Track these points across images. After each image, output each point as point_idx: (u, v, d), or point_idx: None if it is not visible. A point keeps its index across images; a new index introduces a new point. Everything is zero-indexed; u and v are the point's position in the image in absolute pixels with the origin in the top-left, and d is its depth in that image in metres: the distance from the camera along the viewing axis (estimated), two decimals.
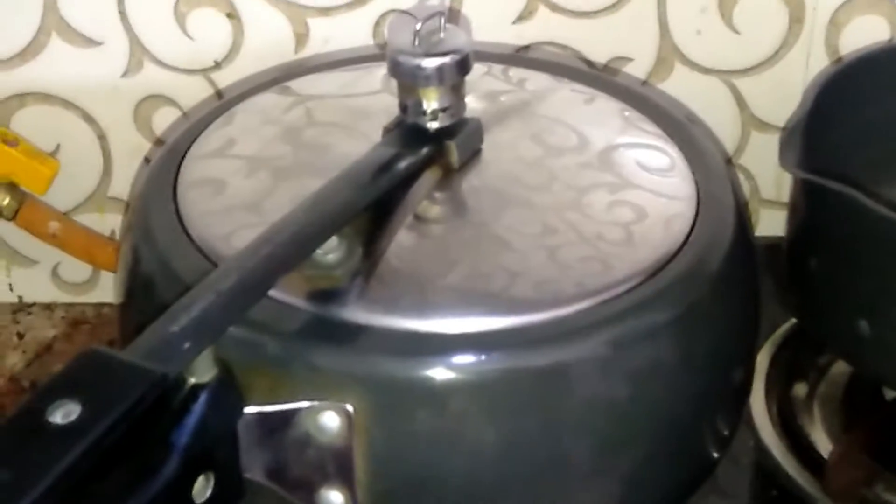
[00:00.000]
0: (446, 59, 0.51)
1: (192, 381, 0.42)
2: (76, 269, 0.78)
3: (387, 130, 0.54)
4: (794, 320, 0.69)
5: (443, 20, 0.52)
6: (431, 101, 0.52)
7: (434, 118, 0.53)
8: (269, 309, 0.46)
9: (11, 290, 0.79)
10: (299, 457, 0.45)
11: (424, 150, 0.52)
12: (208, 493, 0.42)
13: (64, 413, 0.37)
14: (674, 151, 0.57)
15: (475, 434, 0.46)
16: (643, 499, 0.50)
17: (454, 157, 0.53)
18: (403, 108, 0.53)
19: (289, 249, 0.46)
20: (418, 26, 0.51)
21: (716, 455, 0.54)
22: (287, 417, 0.45)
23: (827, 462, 0.62)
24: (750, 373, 0.57)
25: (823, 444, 0.64)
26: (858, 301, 0.59)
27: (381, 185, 0.50)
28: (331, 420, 0.45)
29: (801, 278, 0.64)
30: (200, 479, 0.42)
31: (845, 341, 0.61)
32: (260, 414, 0.44)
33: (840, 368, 0.68)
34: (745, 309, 0.54)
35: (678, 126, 0.58)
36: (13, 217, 0.73)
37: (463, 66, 0.52)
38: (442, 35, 0.52)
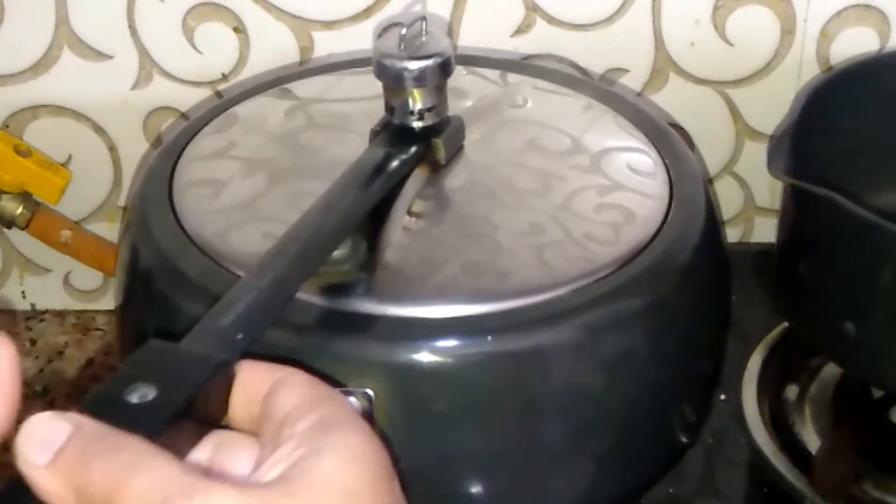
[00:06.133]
0: (429, 62, 0.53)
1: None
2: (87, 277, 0.80)
3: (374, 132, 0.56)
4: (785, 324, 0.70)
5: (424, 24, 0.54)
6: (417, 102, 0.54)
7: (420, 118, 0.55)
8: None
9: (24, 297, 0.81)
10: None
11: (413, 149, 0.54)
12: None
13: (140, 395, 0.37)
14: (653, 154, 0.59)
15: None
16: (614, 480, 0.52)
17: (441, 153, 0.55)
18: (390, 109, 0.55)
19: (312, 250, 0.47)
20: (404, 31, 0.53)
21: (685, 441, 0.55)
22: None
23: (815, 459, 0.63)
24: (719, 364, 0.59)
25: (814, 443, 0.65)
26: (844, 303, 0.60)
27: (383, 185, 0.52)
28: (354, 405, 0.47)
29: (790, 282, 0.65)
30: None
31: (833, 343, 0.62)
32: None
33: (831, 370, 0.69)
34: (713, 302, 0.56)
35: (659, 131, 0.60)
36: (26, 226, 0.75)
37: (445, 68, 0.54)
38: (424, 39, 0.54)
